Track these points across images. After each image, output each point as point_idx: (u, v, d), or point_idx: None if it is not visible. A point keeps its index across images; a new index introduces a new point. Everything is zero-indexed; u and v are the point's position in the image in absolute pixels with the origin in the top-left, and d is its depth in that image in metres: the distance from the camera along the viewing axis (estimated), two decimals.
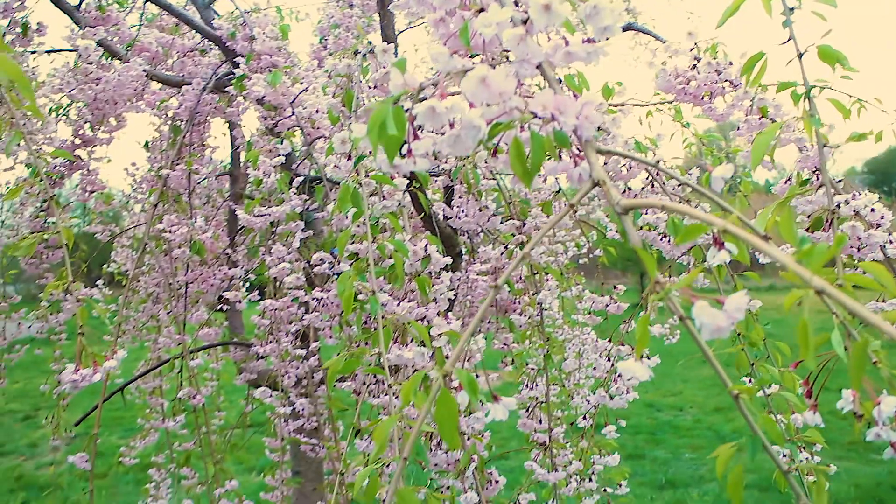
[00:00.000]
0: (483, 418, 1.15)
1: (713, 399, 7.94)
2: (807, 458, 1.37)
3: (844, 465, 5.49)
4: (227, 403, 3.25)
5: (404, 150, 0.64)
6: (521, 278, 1.81)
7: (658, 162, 0.71)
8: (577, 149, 0.68)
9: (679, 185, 1.42)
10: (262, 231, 2.35)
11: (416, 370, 1.17)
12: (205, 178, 2.15)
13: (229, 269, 1.98)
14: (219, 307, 2.06)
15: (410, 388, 0.58)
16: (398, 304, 1.19)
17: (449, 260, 1.27)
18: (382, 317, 1.26)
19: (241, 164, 2.52)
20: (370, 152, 1.17)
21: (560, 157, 0.70)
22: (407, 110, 0.64)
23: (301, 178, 1.76)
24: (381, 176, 1.11)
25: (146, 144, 2.59)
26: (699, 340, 0.63)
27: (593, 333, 2.40)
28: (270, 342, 1.73)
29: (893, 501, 4.79)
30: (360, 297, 1.53)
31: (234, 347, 2.24)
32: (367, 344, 1.22)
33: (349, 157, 1.13)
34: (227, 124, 2.53)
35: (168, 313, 1.92)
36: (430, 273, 1.29)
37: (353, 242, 1.31)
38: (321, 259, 1.62)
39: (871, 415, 0.65)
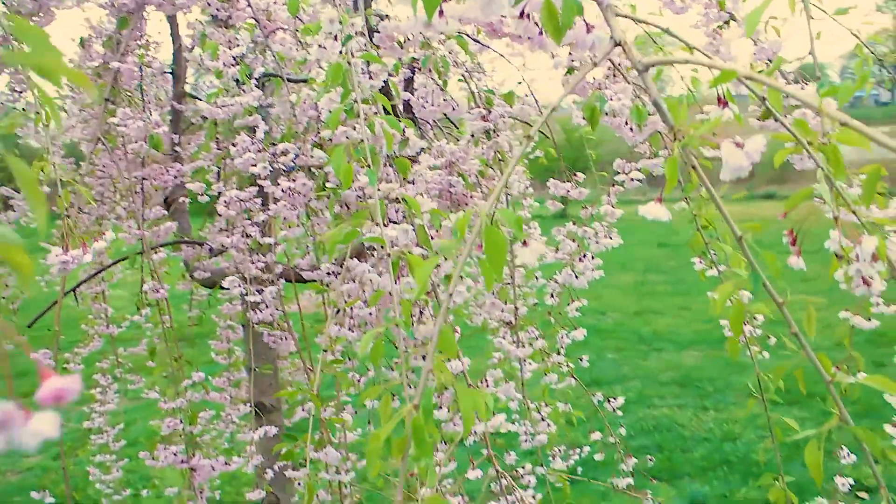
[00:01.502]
0: (464, 292, 1.21)
1: (633, 303, 8.26)
2: (751, 331, 1.49)
3: (759, 360, 5.84)
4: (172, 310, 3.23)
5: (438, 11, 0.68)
6: (475, 174, 1.85)
7: (668, 29, 0.75)
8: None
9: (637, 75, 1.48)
10: (209, 130, 2.32)
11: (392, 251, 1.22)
12: (153, 75, 2.10)
13: (182, 165, 1.97)
14: (178, 200, 2.05)
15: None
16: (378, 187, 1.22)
17: (425, 143, 1.31)
18: (365, 198, 1.29)
19: (184, 62, 2.46)
20: (357, 32, 1.18)
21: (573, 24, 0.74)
22: None
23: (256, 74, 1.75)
24: (370, 55, 1.13)
25: (81, 41, 2.50)
26: (710, 189, 0.69)
27: (539, 229, 2.48)
28: (233, 234, 1.74)
29: (796, 392, 5.14)
30: (328, 185, 1.56)
31: (185, 246, 2.23)
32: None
33: (335, 38, 1.14)
34: (168, 20, 2.46)
35: (125, 209, 1.91)
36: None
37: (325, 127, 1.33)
38: (286, 150, 1.64)
39: (850, 255, 0.73)
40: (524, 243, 0.68)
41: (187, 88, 2.60)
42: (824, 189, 0.72)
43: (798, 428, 1.47)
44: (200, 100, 2.33)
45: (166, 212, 1.92)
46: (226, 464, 1.83)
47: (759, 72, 1.16)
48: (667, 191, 0.66)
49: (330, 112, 1.31)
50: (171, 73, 2.47)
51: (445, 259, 1.07)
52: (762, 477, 1.42)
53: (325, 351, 1.32)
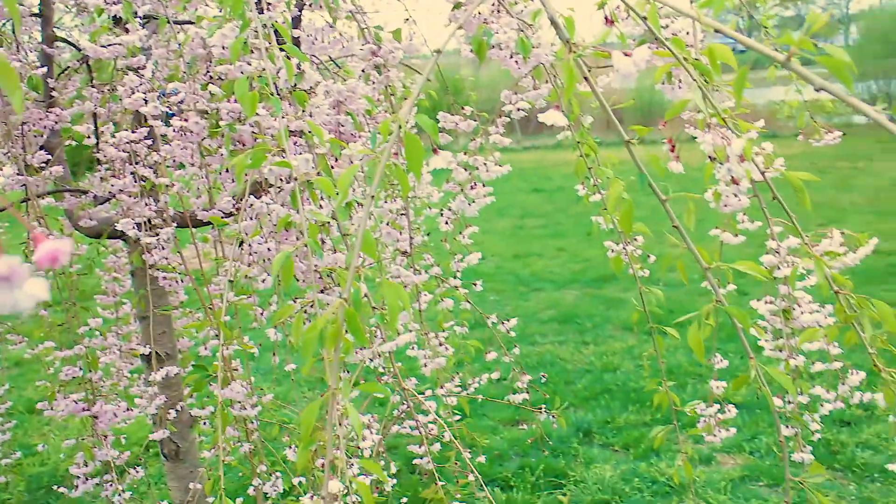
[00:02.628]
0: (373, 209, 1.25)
1: (511, 247, 8.50)
2: (633, 250, 1.60)
3: (633, 293, 6.14)
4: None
5: None
6: (363, 113, 1.89)
7: None
8: None
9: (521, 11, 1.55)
10: (85, 74, 2.25)
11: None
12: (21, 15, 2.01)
13: (63, 109, 1.91)
14: (60, 146, 1.99)
15: (385, 128, 0.67)
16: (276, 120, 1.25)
17: (320, 77, 1.33)
18: (262, 131, 1.32)
19: (52, 4, 2.37)
20: None
21: None
22: None
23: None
24: None
25: None
26: (601, 100, 0.77)
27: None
28: (124, 177, 1.72)
29: (667, 321, 5.46)
30: (221, 123, 1.56)
31: (68, 196, 2.17)
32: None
33: None
34: None
35: (6, 154, 1.84)
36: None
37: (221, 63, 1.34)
38: (176, 89, 1.63)
39: (723, 155, 0.82)
40: (435, 150, 0.74)
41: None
42: (698, 97, 0.81)
43: (678, 335, 1.60)
44: (72, 43, 2.26)
45: (51, 157, 1.87)
46: (128, 409, 1.83)
47: None
48: (565, 96, 0.73)
49: (224, 48, 1.33)
50: (38, 15, 2.37)
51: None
52: (650, 381, 1.54)
53: (231, 281, 1.35)
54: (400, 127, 0.65)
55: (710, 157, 0.84)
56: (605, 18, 0.81)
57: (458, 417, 2.27)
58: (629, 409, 4.39)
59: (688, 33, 1.38)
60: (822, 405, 1.33)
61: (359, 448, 1.32)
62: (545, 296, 6.72)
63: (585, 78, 0.74)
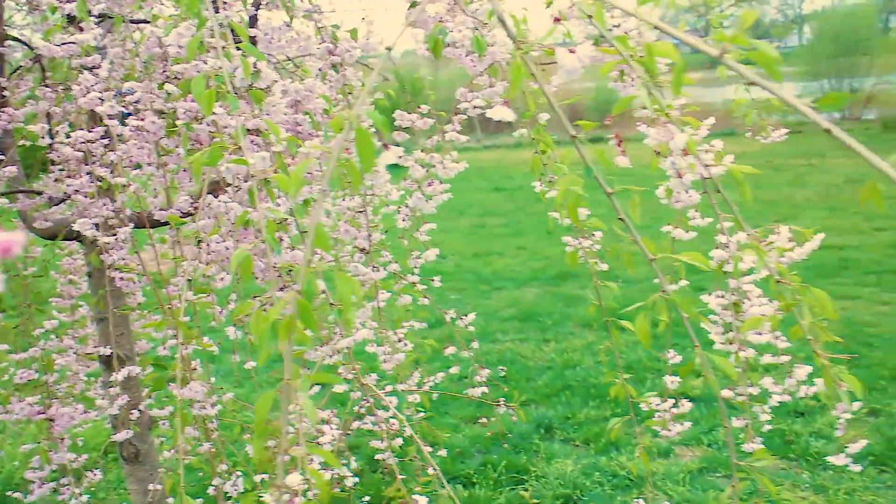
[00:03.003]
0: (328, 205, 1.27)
1: (472, 246, 8.54)
2: (590, 245, 1.63)
3: (592, 290, 6.21)
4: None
5: None
6: (321, 112, 1.90)
7: None
8: None
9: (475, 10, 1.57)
10: (38, 73, 2.23)
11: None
12: None
13: (16, 109, 1.89)
14: (12, 147, 1.97)
15: (338, 122, 0.68)
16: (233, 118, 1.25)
17: (277, 76, 1.34)
18: (219, 130, 1.32)
19: (2, 2, 2.34)
20: None
21: None
22: None
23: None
24: None
25: None
26: (545, 92, 0.79)
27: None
28: (80, 177, 1.71)
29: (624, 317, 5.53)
30: (178, 121, 1.56)
31: (22, 197, 2.15)
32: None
33: None
34: None
35: None
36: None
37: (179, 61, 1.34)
38: (132, 88, 1.62)
39: (667, 150, 0.85)
40: (386, 146, 0.75)
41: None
42: (643, 94, 0.83)
43: (633, 327, 1.63)
44: (24, 42, 2.23)
45: (3, 157, 1.85)
46: (86, 412, 1.81)
47: None
48: (510, 94, 0.75)
49: (180, 46, 1.33)
50: None
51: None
52: (607, 374, 1.57)
53: (190, 281, 1.35)
54: (350, 123, 0.66)
55: (655, 151, 0.87)
56: (554, 18, 0.84)
57: (421, 414, 2.29)
58: (589, 405, 4.44)
59: (639, 32, 1.41)
60: (771, 397, 1.37)
61: (318, 444, 1.33)
62: (506, 294, 6.77)
63: (533, 75, 0.76)
